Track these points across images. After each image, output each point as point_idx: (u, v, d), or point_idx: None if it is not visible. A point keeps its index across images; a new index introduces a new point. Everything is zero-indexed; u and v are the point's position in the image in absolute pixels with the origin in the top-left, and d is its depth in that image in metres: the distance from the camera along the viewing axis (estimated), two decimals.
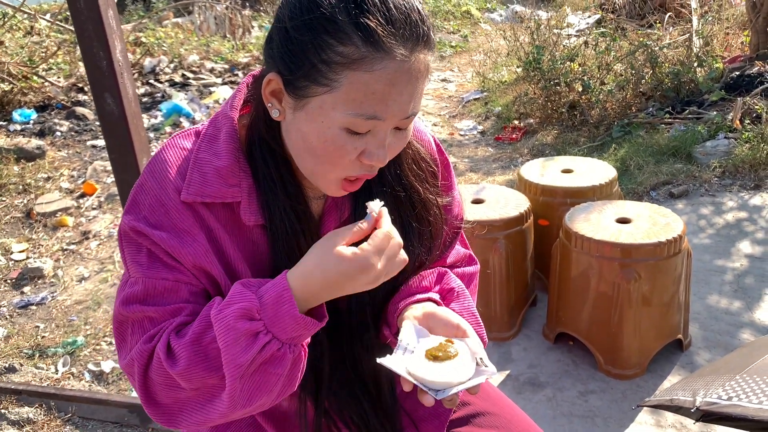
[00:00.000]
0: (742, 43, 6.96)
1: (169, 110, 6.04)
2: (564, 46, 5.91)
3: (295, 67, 0.88)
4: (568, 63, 5.46)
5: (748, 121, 4.61)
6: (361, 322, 1.15)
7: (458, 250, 1.28)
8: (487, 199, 2.87)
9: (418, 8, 0.89)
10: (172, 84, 7.36)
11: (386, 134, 0.93)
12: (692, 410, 1.28)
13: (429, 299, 1.11)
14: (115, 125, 1.52)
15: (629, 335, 2.48)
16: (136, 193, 1.02)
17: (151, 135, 5.84)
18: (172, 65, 7.79)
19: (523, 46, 5.99)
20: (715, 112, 4.90)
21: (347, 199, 1.11)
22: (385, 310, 1.17)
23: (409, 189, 1.11)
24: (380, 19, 0.84)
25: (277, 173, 1.03)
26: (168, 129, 5.90)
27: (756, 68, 5.69)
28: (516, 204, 2.80)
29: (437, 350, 0.98)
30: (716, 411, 1.25)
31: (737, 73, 5.52)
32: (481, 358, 0.99)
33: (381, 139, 0.93)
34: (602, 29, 6.74)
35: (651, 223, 2.52)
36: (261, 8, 11.52)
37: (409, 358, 0.97)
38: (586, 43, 5.66)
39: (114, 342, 1.09)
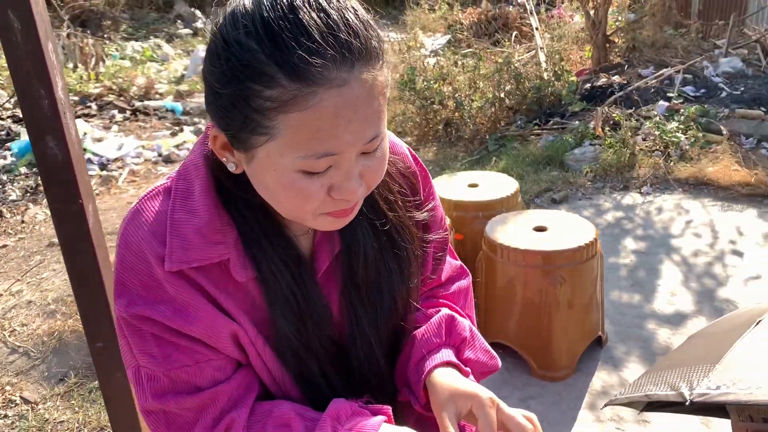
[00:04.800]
0: (581, 57, 7.65)
1: (21, 149, 5.49)
2: (433, 66, 6.14)
3: (231, 121, 0.82)
4: (441, 81, 5.67)
5: (608, 129, 5.04)
6: (370, 359, 1.10)
7: (450, 263, 1.26)
8: None
9: (348, 21, 0.79)
10: (17, 120, 6.71)
11: (351, 164, 0.85)
12: (686, 403, 1.35)
13: (449, 363, 1.08)
14: (58, 171, 1.35)
15: (558, 338, 2.59)
16: (120, 272, 0.93)
17: (4, 177, 5.27)
18: (13, 99, 7.11)
19: (396, 66, 6.15)
20: (577, 122, 5.32)
21: (335, 232, 1.06)
22: (403, 367, 1.13)
23: (383, 215, 1.07)
24: (300, 50, 0.76)
25: (256, 222, 0.97)
26: (23, 170, 5.36)
27: (602, 80, 6.27)
28: None
29: None
30: (708, 401, 1.33)
31: (589, 85, 6.04)
32: None
33: (346, 170, 0.85)
34: (463, 50, 7.09)
35: (566, 229, 2.66)
36: (104, 35, 10.90)
37: None
38: (455, 63, 5.92)
39: None
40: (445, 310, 1.17)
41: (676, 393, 1.43)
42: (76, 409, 2.56)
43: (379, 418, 0.98)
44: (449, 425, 0.97)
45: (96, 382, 2.67)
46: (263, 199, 0.97)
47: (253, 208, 0.97)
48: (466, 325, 1.16)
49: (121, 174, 5.51)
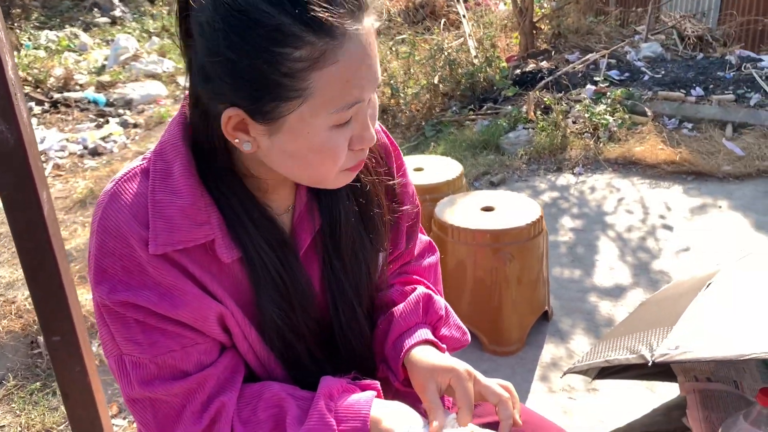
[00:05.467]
0: (508, 44, 7.83)
1: None
2: None
3: (258, 93, 0.81)
4: None
5: (540, 113, 5.19)
6: (354, 330, 1.11)
7: (421, 239, 1.29)
8: None
9: None
10: None
11: (366, 111, 0.89)
12: (649, 364, 1.42)
13: (427, 341, 1.10)
14: (9, 156, 1.27)
15: (508, 314, 2.66)
16: (99, 258, 0.89)
17: None
18: None
19: None
20: (510, 107, 5.44)
21: (314, 207, 1.06)
22: (380, 343, 1.14)
23: (358, 181, 1.07)
24: (322, 4, 0.78)
25: (238, 202, 0.96)
26: None
27: (530, 66, 6.43)
28: None
29: None
30: (669, 361, 1.40)
31: (519, 71, 6.18)
32: None
33: (363, 118, 0.89)
34: (394, 37, 7.11)
35: (512, 208, 2.73)
36: (14, 24, 10.30)
37: None
38: (390, 49, 5.93)
39: (138, 423, 0.98)
40: (421, 289, 1.19)
41: (636, 356, 1.50)
42: (18, 412, 2.43)
43: (370, 393, 1.00)
44: (432, 400, 0.99)
45: (37, 384, 2.55)
46: (244, 179, 0.96)
47: (234, 188, 0.95)
48: (442, 303, 1.19)
49: (45, 168, 5.25)
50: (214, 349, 0.98)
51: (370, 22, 0.84)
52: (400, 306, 1.14)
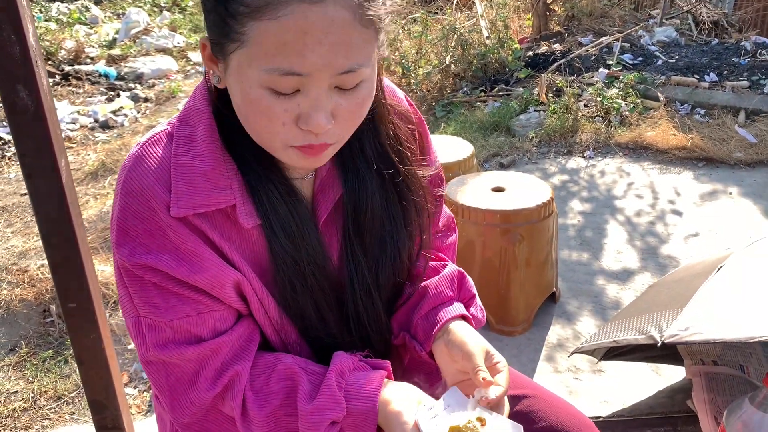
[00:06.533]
0: (521, 26, 7.76)
1: None
2: None
3: (212, 25, 0.83)
4: (388, 47, 5.65)
5: (552, 95, 5.16)
6: (368, 307, 1.11)
7: (445, 211, 1.27)
8: None
9: None
10: None
11: (320, 94, 0.83)
12: (658, 344, 1.43)
13: (463, 317, 1.11)
14: (29, 123, 1.28)
15: (516, 294, 2.67)
16: (121, 220, 0.91)
17: None
18: None
19: None
20: (521, 89, 5.41)
21: (336, 177, 1.05)
22: (408, 313, 1.14)
23: (393, 166, 1.08)
24: None
25: (259, 167, 0.96)
26: None
27: (543, 48, 6.38)
28: None
29: (458, 431, 0.94)
30: (678, 342, 1.41)
31: (531, 52, 6.14)
32: None
33: (315, 98, 0.82)
34: (407, 16, 7.06)
35: (523, 189, 2.73)
36: None
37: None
38: (402, 28, 5.89)
39: (152, 385, 1.00)
40: (452, 266, 1.19)
41: (646, 337, 1.51)
42: (30, 379, 2.47)
43: (381, 372, 1.00)
44: (482, 366, 1.00)
45: (50, 351, 2.59)
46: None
47: (256, 154, 0.95)
48: (472, 283, 1.20)
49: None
50: (230, 316, 0.99)
51: (336, 7, 0.78)
52: (434, 279, 1.14)
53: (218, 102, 0.95)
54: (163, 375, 0.97)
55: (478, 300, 1.19)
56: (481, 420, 0.95)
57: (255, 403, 0.96)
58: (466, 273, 1.19)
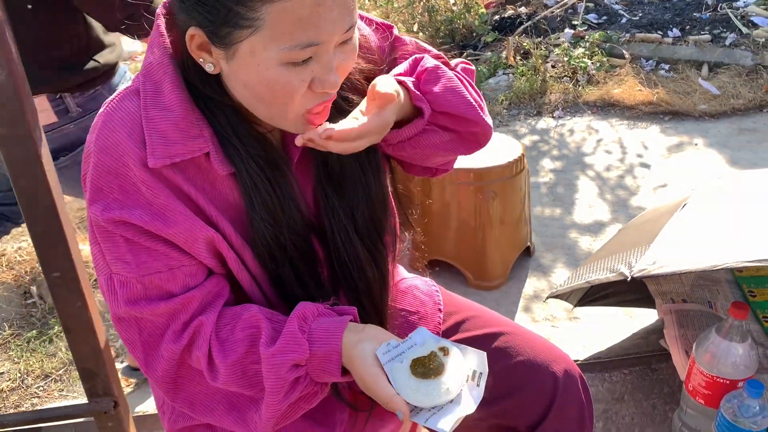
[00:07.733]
0: None
1: None
2: None
3: (212, 16, 0.83)
4: None
5: (519, 58, 5.20)
6: (347, 249, 1.09)
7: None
8: None
9: None
10: None
11: (330, 55, 0.88)
12: (627, 280, 1.49)
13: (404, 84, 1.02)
14: (1, 90, 1.29)
15: (492, 250, 2.74)
16: (95, 177, 0.93)
17: None
18: None
19: None
20: (490, 53, 5.44)
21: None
22: None
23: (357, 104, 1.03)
24: None
25: (226, 119, 0.98)
26: None
27: (509, 11, 6.39)
28: None
29: (421, 363, 0.94)
30: (647, 275, 1.48)
31: (498, 16, 6.15)
32: (477, 373, 0.95)
33: (326, 62, 0.88)
34: None
35: (494, 147, 2.77)
36: None
37: (396, 367, 0.95)
38: None
39: (124, 341, 1.02)
40: (415, 56, 1.08)
41: (616, 274, 1.58)
42: (16, 359, 2.48)
43: (345, 317, 1.01)
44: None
45: (33, 332, 2.60)
46: (233, 99, 0.97)
47: (222, 106, 0.97)
48: (434, 62, 1.05)
49: None
50: (200, 272, 1.01)
51: None
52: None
53: (178, 55, 0.95)
54: (135, 331, 0.99)
55: (448, 81, 1.04)
56: (444, 350, 0.97)
57: (220, 352, 0.97)
58: (427, 56, 1.08)
